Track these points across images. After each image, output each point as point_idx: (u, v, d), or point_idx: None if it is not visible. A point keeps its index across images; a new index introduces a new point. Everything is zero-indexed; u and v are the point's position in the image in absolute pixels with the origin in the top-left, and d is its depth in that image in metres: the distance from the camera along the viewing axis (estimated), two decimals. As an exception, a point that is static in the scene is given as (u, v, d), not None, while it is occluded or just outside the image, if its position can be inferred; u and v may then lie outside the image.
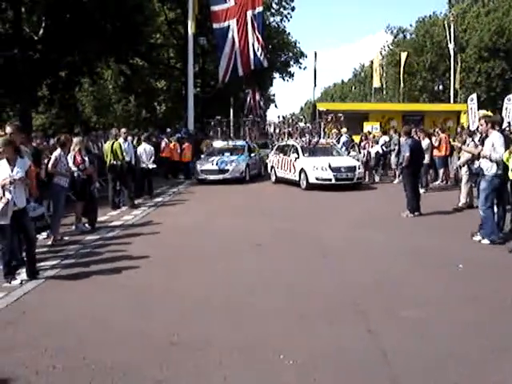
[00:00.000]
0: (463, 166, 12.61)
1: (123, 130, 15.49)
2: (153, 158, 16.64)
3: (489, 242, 8.98)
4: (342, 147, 20.98)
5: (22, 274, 7.44)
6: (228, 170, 20.46)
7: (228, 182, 19.82)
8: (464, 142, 13.41)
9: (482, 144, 9.86)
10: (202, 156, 22.30)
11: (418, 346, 4.87)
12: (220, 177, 20.34)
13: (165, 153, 21.98)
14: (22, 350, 4.92)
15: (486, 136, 9.57)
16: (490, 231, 9.05)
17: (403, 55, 52.12)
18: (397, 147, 18.14)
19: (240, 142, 24.04)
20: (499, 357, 4.64)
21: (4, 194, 6.95)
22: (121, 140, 14.59)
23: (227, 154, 21.62)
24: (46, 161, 10.38)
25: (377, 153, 19.87)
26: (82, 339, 5.20)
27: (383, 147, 20.15)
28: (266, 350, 4.84)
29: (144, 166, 16.31)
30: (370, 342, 4.99)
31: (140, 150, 16.43)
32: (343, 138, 22.17)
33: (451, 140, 17.26)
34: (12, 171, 7.09)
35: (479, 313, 5.72)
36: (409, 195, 12.16)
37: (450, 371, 4.37)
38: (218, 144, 23.69)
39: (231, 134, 28.98)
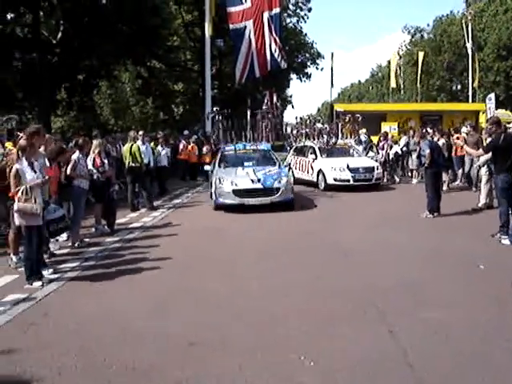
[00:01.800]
0: (483, 166, 12.48)
1: (140, 132, 15.73)
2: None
3: (509, 243, 8.90)
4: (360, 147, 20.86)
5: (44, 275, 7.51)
6: (279, 190, 13.37)
7: (273, 209, 13.18)
8: (476, 142, 13.51)
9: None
10: (210, 168, 16.03)
11: (439, 347, 4.84)
12: (267, 200, 13.25)
13: (183, 155, 22.07)
14: (44, 351, 4.98)
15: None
16: None
17: (421, 55, 51.70)
18: (418, 148, 18.01)
19: (263, 146, 17.22)
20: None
21: (32, 195, 7.03)
22: (139, 142, 14.73)
23: (248, 163, 15.06)
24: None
25: (395, 153, 19.74)
26: (102, 340, 5.24)
27: (403, 148, 19.99)
28: (286, 351, 4.83)
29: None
30: (392, 344, 4.96)
31: (163, 152, 17.89)
32: (362, 138, 22.05)
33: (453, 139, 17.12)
34: (35, 173, 7.22)
35: (501, 314, 5.66)
36: (430, 196, 12.08)
37: (472, 373, 4.33)
38: (230, 149, 16.43)
39: (248, 136, 28.54)
